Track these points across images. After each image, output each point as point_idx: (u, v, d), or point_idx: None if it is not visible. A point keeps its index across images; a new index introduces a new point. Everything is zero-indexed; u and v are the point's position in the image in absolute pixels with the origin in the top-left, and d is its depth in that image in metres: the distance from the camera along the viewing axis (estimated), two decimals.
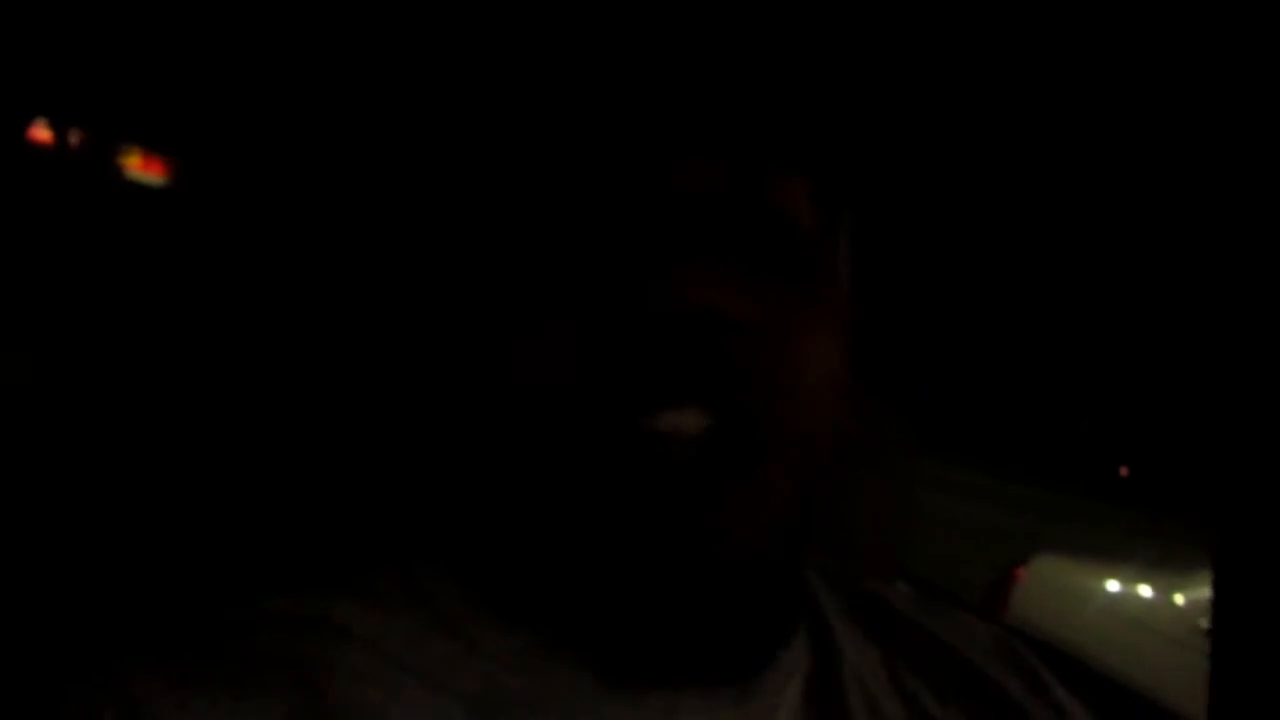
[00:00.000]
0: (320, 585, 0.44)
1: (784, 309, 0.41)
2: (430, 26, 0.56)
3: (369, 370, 0.63)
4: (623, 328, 0.38)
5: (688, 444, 0.38)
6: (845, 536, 0.42)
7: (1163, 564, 3.47)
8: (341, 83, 0.72)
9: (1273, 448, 0.70)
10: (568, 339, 0.39)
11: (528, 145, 0.43)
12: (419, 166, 0.50)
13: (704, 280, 0.38)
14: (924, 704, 0.48)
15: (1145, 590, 3.37)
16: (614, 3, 0.43)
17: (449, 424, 0.45)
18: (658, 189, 0.40)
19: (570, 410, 0.39)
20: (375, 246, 0.65)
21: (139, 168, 0.86)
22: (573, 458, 0.39)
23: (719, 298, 0.38)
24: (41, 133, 0.84)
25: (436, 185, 0.48)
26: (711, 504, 0.38)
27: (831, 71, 0.49)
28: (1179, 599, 3.19)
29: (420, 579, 0.45)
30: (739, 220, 0.41)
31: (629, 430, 0.38)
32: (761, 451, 0.39)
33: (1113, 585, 3.42)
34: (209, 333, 0.71)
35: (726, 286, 0.38)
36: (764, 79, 0.44)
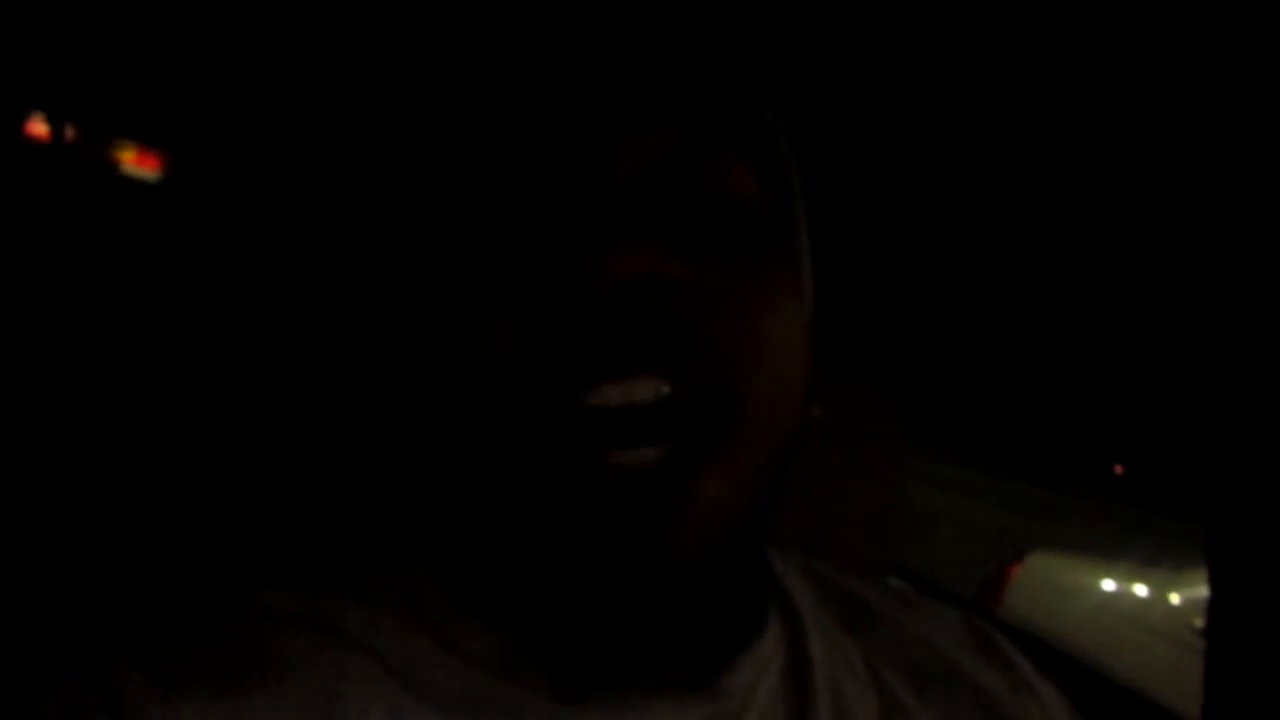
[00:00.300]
0: (307, 581, 0.44)
1: (734, 282, 0.41)
2: (381, 22, 0.56)
3: (356, 365, 0.63)
4: (569, 305, 0.38)
5: (645, 413, 0.38)
6: (834, 535, 0.42)
7: (1157, 561, 3.47)
8: (330, 81, 0.72)
9: (1267, 446, 0.70)
10: (515, 321, 0.39)
11: (465, 127, 0.43)
12: (375, 158, 0.50)
13: (645, 250, 0.38)
14: (900, 698, 0.48)
15: (1140, 588, 3.37)
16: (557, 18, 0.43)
17: (421, 418, 0.45)
18: (597, 167, 0.40)
19: (524, 394, 0.38)
20: (357, 239, 0.65)
21: (134, 162, 0.86)
22: (529, 442, 0.38)
23: (661, 266, 0.38)
24: (38, 127, 0.84)
25: (383, 176, 0.48)
26: (674, 480, 0.38)
27: (778, 49, 0.49)
28: (1173, 597, 3.20)
29: (406, 576, 0.45)
30: (682, 196, 0.41)
31: (583, 407, 0.38)
32: (721, 425, 0.39)
33: (1107, 583, 3.42)
34: (202, 328, 0.71)
35: (668, 255, 0.38)
36: (702, 56, 0.44)
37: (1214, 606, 0.72)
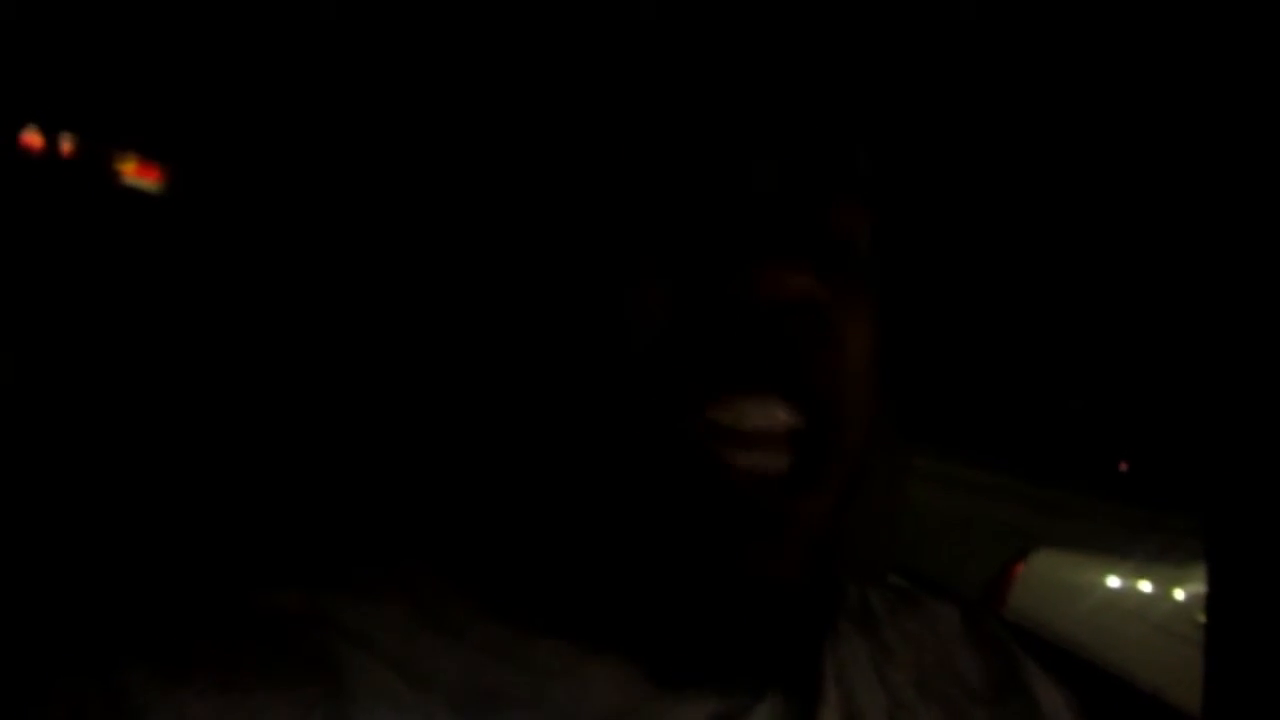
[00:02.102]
0: (309, 578, 0.45)
1: (846, 312, 0.42)
2: (483, 31, 0.56)
3: (364, 369, 0.63)
4: (719, 310, 0.38)
5: (777, 441, 0.38)
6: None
7: (1162, 558, 3.47)
8: (350, 84, 0.72)
9: (1266, 441, 0.70)
10: (659, 325, 0.39)
11: (623, 150, 0.43)
12: (461, 170, 0.50)
13: (802, 271, 0.38)
14: (905, 695, 0.49)
15: (1145, 585, 3.37)
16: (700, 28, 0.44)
17: (465, 416, 0.45)
18: (739, 188, 0.41)
19: (655, 392, 0.39)
20: (382, 249, 0.65)
21: (134, 174, 0.86)
22: (658, 446, 0.39)
23: (813, 290, 0.39)
24: (34, 139, 0.85)
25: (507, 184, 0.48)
26: (783, 499, 0.39)
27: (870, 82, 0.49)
28: (1178, 593, 3.19)
29: (409, 572, 0.45)
30: (804, 219, 0.42)
31: (715, 419, 0.38)
32: (823, 450, 0.40)
33: (1112, 580, 3.42)
34: (207, 335, 0.72)
35: (818, 279, 0.39)
36: (823, 91, 0.45)
37: (1213, 602, 0.72)
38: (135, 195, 0.84)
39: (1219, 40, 0.71)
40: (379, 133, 0.65)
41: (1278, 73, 0.69)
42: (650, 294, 0.40)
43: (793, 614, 0.42)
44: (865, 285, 0.44)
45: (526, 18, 0.49)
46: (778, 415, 0.39)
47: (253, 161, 0.75)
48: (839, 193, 0.44)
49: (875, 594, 0.55)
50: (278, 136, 0.75)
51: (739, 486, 0.38)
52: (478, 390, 0.46)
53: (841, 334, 0.41)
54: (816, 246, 0.41)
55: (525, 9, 0.50)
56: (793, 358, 0.39)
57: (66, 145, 0.85)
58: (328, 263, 0.69)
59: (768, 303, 0.38)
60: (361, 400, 0.63)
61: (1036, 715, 0.51)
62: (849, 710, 0.46)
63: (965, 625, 0.55)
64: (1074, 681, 0.55)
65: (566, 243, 0.43)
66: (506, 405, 0.44)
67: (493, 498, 0.44)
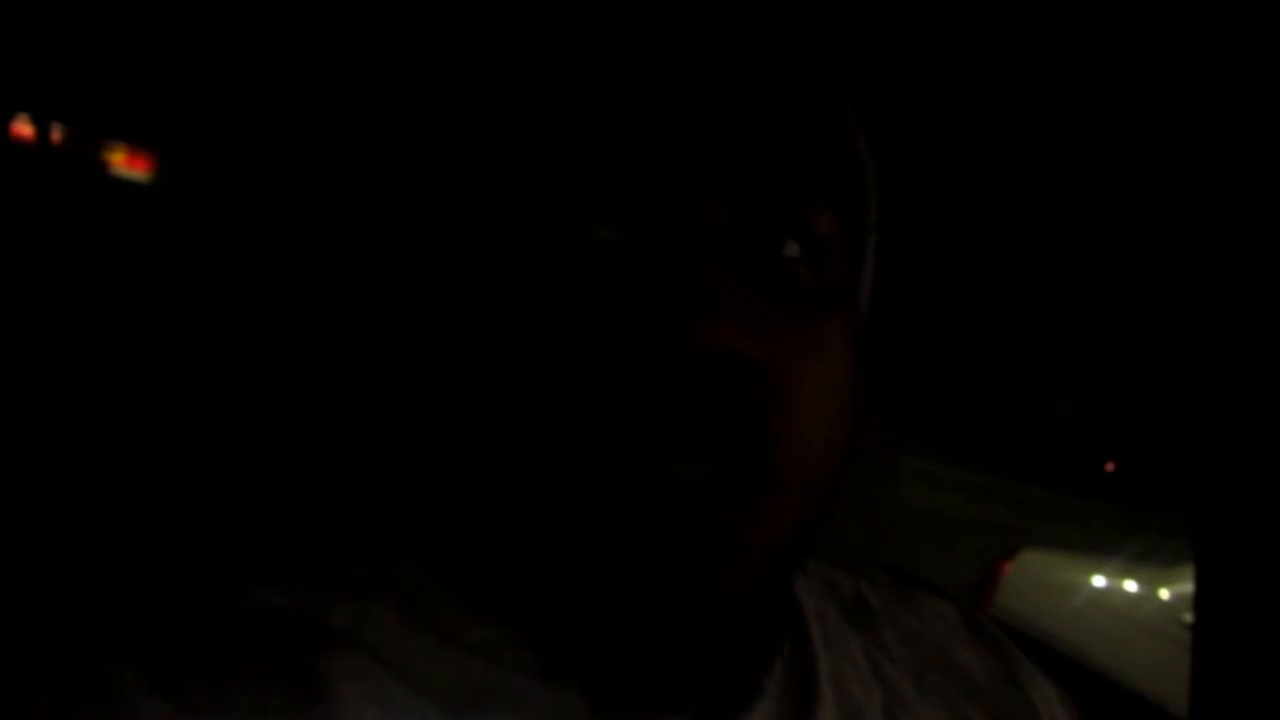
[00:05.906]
0: (297, 578, 0.44)
1: (797, 355, 0.40)
2: (433, 35, 0.56)
3: (354, 367, 0.63)
4: (642, 369, 0.37)
5: (694, 488, 0.37)
6: (828, 533, 0.43)
7: (1148, 558, 3.49)
8: (337, 81, 0.72)
9: (1254, 442, 0.71)
10: (588, 368, 0.38)
11: (551, 182, 0.41)
12: (419, 169, 0.49)
13: (729, 325, 0.37)
14: (901, 690, 0.49)
15: (1130, 584, 3.39)
16: (631, 45, 0.42)
17: (444, 424, 0.45)
18: (684, 227, 0.39)
19: (583, 439, 0.38)
20: (368, 246, 0.65)
21: (123, 164, 0.86)
22: (578, 481, 0.38)
23: (741, 344, 0.37)
24: (24, 128, 0.84)
25: (447, 196, 0.46)
26: (714, 547, 0.38)
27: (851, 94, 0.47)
28: (1164, 593, 3.22)
29: (400, 574, 0.45)
30: (765, 250, 0.40)
31: (637, 468, 0.37)
32: (771, 492, 0.39)
33: (1098, 579, 3.44)
34: (196, 329, 0.71)
35: (749, 330, 0.37)
36: (798, 87, 0.43)
37: (1200, 602, 0.73)
38: (124, 185, 0.84)
39: (1212, 39, 0.71)
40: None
41: (1257, 76, 0.69)
42: (569, 346, 0.38)
43: (748, 629, 0.41)
44: (832, 298, 0.42)
45: (443, 50, 0.48)
46: (703, 466, 0.38)
47: (242, 152, 0.75)
48: (805, 196, 0.41)
49: (871, 590, 0.55)
50: (266, 128, 0.75)
51: (674, 521, 0.37)
52: (439, 403, 0.45)
53: (785, 380, 0.39)
54: (766, 274, 0.40)
55: (444, 41, 0.49)
56: (723, 414, 0.37)
57: (56, 135, 0.85)
58: (316, 264, 0.69)
59: (694, 361, 0.36)
60: (352, 401, 0.63)
61: (1033, 713, 0.51)
62: (846, 708, 0.46)
63: (961, 622, 0.55)
64: (1059, 680, 0.56)
65: (482, 289, 0.42)
66: (460, 424, 0.43)
67: (478, 499, 0.44)
